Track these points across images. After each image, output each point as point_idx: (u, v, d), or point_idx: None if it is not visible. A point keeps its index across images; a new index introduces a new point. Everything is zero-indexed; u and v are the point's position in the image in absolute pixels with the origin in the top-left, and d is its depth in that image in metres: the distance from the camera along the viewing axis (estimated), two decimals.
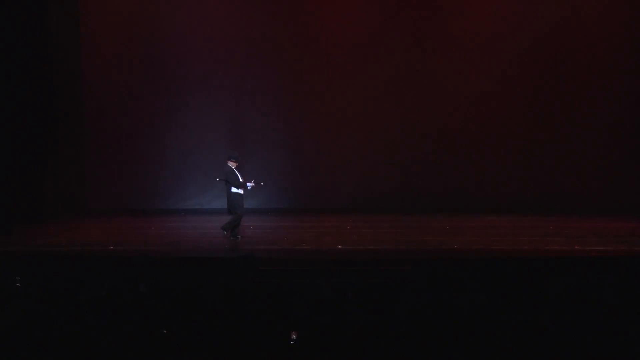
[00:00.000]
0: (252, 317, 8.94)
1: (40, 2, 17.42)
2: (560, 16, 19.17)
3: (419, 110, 19.50)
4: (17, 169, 16.75)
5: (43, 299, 9.70)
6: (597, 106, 19.40)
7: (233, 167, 14.69)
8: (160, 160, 19.73)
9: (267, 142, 19.60)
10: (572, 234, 15.47)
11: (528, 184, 19.39)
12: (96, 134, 19.63)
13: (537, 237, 15.05)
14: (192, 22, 19.49)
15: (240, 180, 14.62)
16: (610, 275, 11.32)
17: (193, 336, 8.40)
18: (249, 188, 14.79)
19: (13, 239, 15.13)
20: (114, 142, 19.65)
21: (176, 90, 19.58)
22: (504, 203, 19.16)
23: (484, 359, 8.11)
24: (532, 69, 19.41)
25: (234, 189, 14.59)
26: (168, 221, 17.69)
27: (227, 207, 14.82)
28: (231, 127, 19.71)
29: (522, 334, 8.38)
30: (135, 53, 19.47)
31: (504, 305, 9.45)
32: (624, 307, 9.41)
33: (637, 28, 19.19)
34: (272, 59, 19.58)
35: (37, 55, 17.34)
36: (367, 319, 8.86)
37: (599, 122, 19.42)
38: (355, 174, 19.63)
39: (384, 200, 19.41)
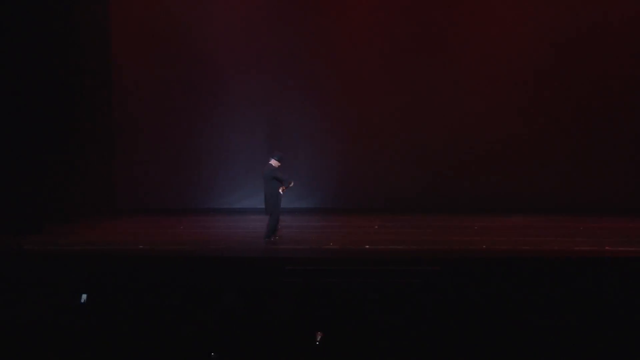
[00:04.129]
0: (277, 317, 8.94)
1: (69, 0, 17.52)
2: (587, 19, 18.92)
3: (447, 109, 19.31)
4: (47, 168, 16.79)
5: (71, 299, 9.78)
6: (626, 106, 19.10)
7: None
8: (190, 159, 19.66)
9: (295, 142, 19.43)
10: (602, 234, 15.27)
11: (556, 183, 19.08)
12: (125, 133, 19.58)
13: (566, 237, 14.88)
14: (225, 20, 19.41)
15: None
16: None
17: (218, 336, 8.40)
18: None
19: (43, 238, 15.20)
20: (143, 141, 19.58)
21: (206, 89, 19.52)
22: (532, 203, 18.88)
23: None
24: (560, 67, 19.11)
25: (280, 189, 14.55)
26: (197, 220, 17.69)
27: (267, 208, 14.59)
28: (261, 126, 19.61)
29: (551, 335, 8.29)
30: (165, 51, 19.40)
31: (533, 307, 9.34)
32: None
33: None
34: (303, 60, 19.51)
35: (66, 55, 17.36)
36: (394, 319, 8.81)
37: (628, 122, 19.12)
38: (384, 174, 19.48)
39: (412, 201, 19.20)
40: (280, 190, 14.47)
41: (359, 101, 19.51)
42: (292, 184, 14.65)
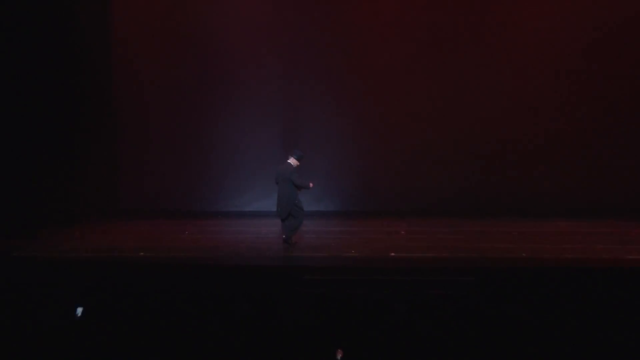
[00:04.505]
0: (294, 331, 8.82)
1: None
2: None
3: (480, 109, 18.79)
4: (49, 169, 16.80)
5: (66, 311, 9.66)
6: None
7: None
8: (196, 159, 19.29)
9: (313, 143, 18.86)
10: None
11: (603, 186, 18.46)
12: (129, 133, 19.32)
13: (615, 244, 14.04)
14: (233, 14, 18.97)
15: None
16: None
17: (229, 350, 8.34)
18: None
19: (36, 243, 14.66)
20: (148, 140, 19.30)
21: (211, 88, 19.14)
22: (576, 207, 18.18)
23: None
24: (603, 63, 18.46)
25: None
26: (204, 225, 17.13)
27: (281, 211, 13.91)
28: (272, 126, 19.12)
29: (599, 349, 8.23)
30: (170, 49, 19.04)
31: (578, 320, 9.20)
32: None
33: None
34: (318, 57, 19.03)
35: (67, 53, 17.39)
36: (424, 333, 8.71)
37: None
38: (406, 176, 18.98)
39: (442, 203, 18.61)
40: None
41: (380, 100, 19.07)
42: (312, 185, 14.01)
